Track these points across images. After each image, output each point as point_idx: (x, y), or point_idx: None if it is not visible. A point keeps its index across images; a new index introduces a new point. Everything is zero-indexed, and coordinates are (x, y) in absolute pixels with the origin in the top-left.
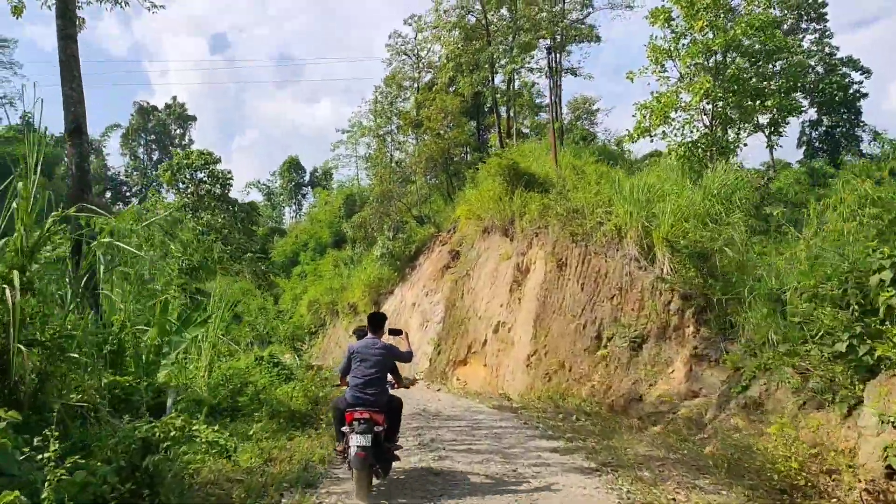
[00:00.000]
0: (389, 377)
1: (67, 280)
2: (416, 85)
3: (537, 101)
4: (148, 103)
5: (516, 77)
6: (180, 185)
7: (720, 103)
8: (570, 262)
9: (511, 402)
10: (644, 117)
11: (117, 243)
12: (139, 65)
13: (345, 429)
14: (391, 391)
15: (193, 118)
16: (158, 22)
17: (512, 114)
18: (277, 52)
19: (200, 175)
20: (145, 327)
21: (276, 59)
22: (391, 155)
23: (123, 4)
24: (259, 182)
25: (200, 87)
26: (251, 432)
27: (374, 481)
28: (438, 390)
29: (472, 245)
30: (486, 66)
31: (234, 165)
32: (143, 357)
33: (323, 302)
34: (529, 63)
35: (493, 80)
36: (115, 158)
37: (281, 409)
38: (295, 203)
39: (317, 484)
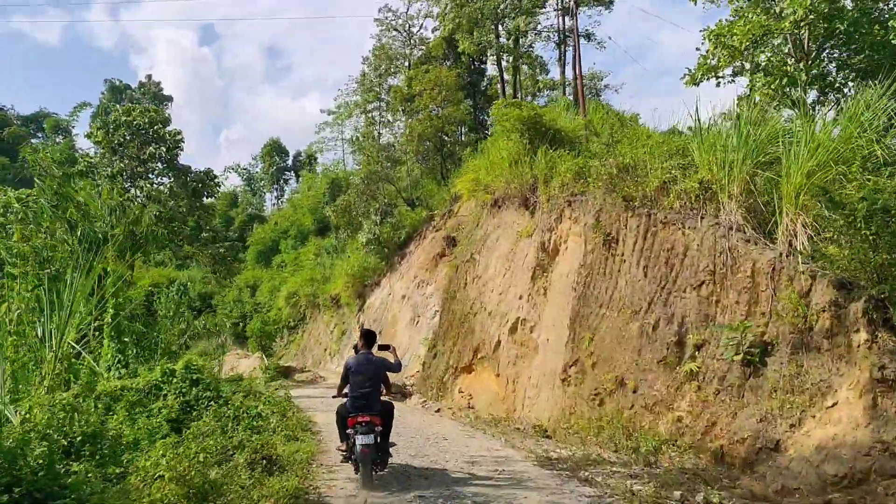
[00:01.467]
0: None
1: None
2: (407, 63)
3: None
4: (121, 81)
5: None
6: (116, 147)
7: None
8: (623, 237)
9: (550, 445)
10: (714, 48)
11: None
12: (125, 58)
13: (349, 431)
14: (382, 398)
15: (169, 98)
16: (145, 13)
17: (519, 77)
18: (268, 45)
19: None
20: None
21: (266, 51)
22: (379, 132)
23: None
24: (239, 166)
25: (188, 81)
26: None
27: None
28: (438, 411)
29: (477, 223)
30: (489, 20)
31: (223, 159)
32: None
33: (303, 294)
34: (537, 24)
35: (497, 35)
36: (84, 140)
37: None
38: (277, 189)
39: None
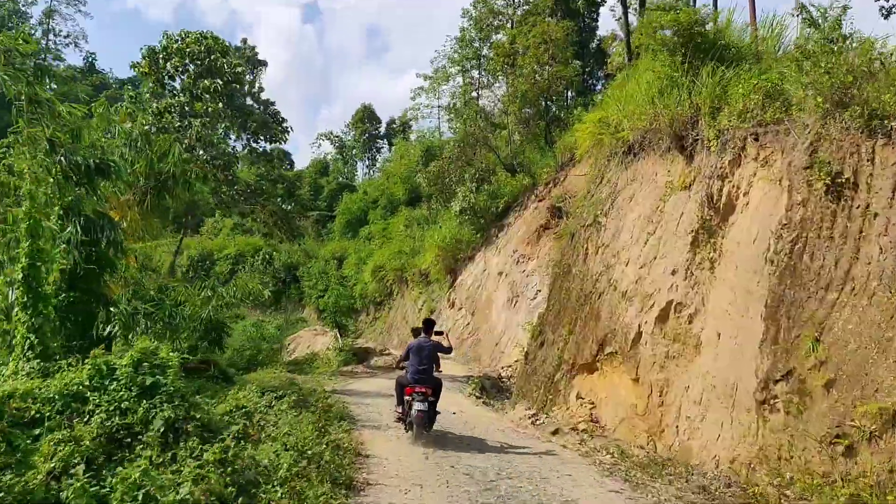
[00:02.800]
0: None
1: None
2: (509, 23)
3: None
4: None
5: None
6: (166, 80)
7: None
8: (867, 178)
9: None
10: None
11: None
12: (234, 34)
13: (407, 398)
14: (435, 374)
15: (264, 63)
16: None
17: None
18: (366, 23)
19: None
20: None
21: (365, 30)
22: (478, 93)
23: None
24: (331, 133)
25: (289, 58)
26: None
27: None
28: (555, 433)
29: (600, 179)
30: None
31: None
32: None
33: (390, 268)
34: None
35: None
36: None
37: None
38: (368, 157)
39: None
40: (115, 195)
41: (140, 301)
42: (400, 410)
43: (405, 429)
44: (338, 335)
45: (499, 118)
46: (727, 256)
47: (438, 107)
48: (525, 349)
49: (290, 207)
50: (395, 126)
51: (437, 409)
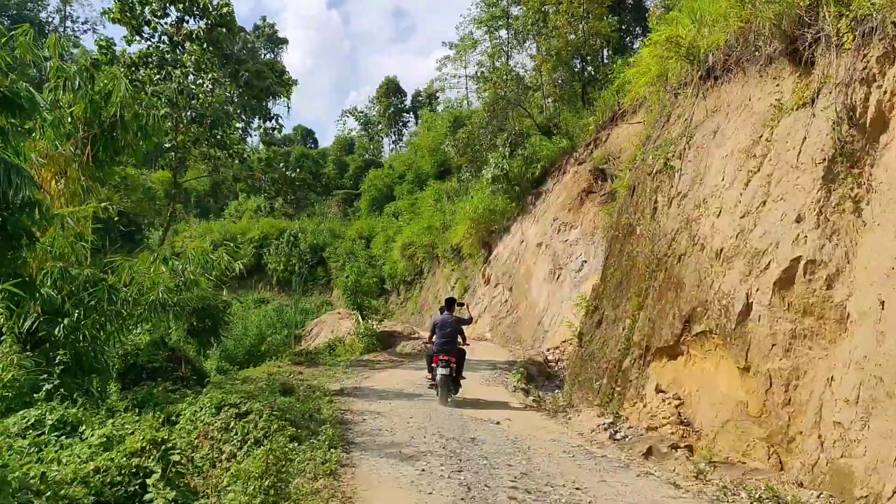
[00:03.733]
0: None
1: None
2: None
3: None
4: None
5: None
6: (141, 24)
7: None
8: None
9: None
10: None
11: None
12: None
13: (434, 365)
14: (459, 346)
15: (285, 41)
16: None
17: None
18: (392, 4)
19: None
20: None
21: (390, 12)
22: (508, 54)
23: None
24: (356, 109)
25: (317, 43)
26: None
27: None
28: (647, 455)
29: (668, 118)
30: None
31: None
32: None
33: (420, 244)
34: None
35: None
36: None
37: None
38: (394, 133)
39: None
40: (54, 146)
41: (71, 283)
42: (430, 376)
43: (435, 393)
44: (359, 318)
45: (531, 80)
46: (882, 192)
47: (466, 76)
48: (578, 329)
49: (294, 174)
50: (420, 99)
51: (462, 375)
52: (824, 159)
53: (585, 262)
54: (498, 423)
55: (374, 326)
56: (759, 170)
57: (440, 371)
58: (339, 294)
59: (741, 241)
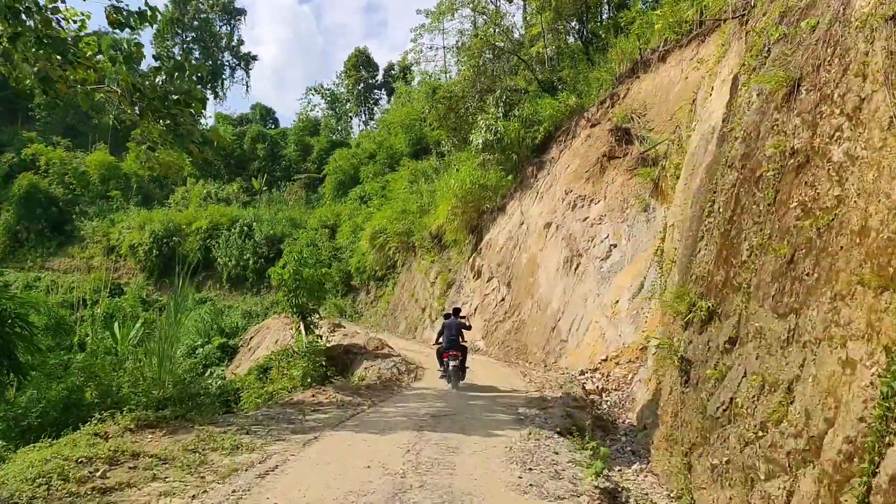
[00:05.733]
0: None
1: None
2: None
3: None
4: None
5: None
6: None
7: None
8: None
9: None
10: None
11: None
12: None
13: (445, 359)
14: (461, 342)
15: (242, 12)
16: None
17: None
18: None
19: None
20: None
21: (363, 7)
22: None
23: None
24: (321, 86)
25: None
26: None
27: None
28: None
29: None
30: None
31: None
32: None
33: (392, 232)
34: None
35: None
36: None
37: None
38: (365, 111)
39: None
40: None
41: None
42: (442, 369)
43: (447, 382)
44: (302, 329)
45: (525, 35)
46: None
47: (444, 47)
48: (675, 348)
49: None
50: (394, 73)
51: (465, 365)
52: None
53: (615, 245)
54: None
55: (325, 340)
56: None
57: (451, 363)
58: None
59: None
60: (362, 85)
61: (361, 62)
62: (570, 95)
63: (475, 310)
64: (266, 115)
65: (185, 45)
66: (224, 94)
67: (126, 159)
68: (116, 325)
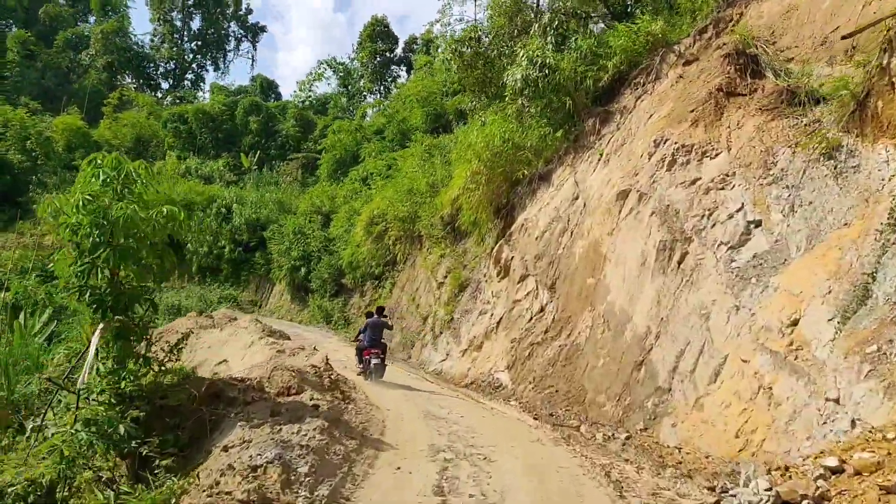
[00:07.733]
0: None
1: None
2: None
3: None
4: None
5: None
6: None
7: None
8: None
9: None
10: None
11: None
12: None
13: (366, 357)
14: (381, 340)
15: None
16: None
17: None
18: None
19: None
20: None
21: (397, 18)
22: None
23: None
24: (334, 60)
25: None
26: None
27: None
28: None
29: None
30: None
31: None
32: None
33: (393, 217)
34: None
35: None
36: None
37: None
38: (381, 87)
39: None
40: None
41: None
42: (361, 367)
43: (364, 377)
44: (93, 344)
45: None
46: None
47: (475, 19)
48: None
49: None
50: (415, 46)
51: (385, 363)
52: None
53: (756, 224)
54: None
55: (171, 362)
56: None
57: (373, 361)
58: (282, 288)
59: None
60: (379, 59)
61: (379, 33)
62: (650, 22)
63: (498, 323)
64: (268, 87)
65: (185, 10)
66: (227, 66)
67: (100, 126)
68: (22, 315)
